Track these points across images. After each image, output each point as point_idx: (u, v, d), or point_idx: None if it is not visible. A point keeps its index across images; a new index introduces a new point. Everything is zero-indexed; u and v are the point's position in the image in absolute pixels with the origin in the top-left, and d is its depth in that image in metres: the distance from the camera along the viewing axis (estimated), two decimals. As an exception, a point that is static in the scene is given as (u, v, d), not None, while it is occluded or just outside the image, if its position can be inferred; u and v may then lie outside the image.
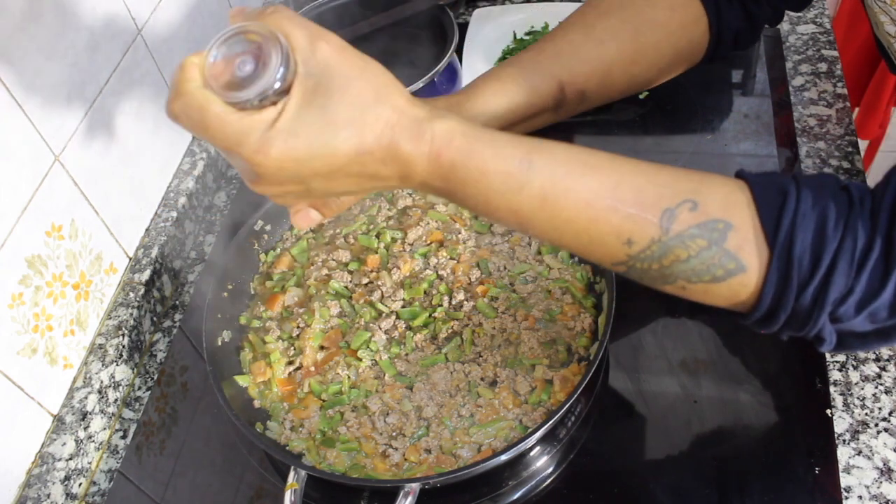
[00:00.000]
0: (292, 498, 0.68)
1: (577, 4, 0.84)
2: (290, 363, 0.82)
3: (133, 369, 0.89)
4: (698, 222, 0.50)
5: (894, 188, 0.49)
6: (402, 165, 0.50)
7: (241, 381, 0.81)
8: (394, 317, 0.83)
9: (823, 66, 1.05)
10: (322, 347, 0.83)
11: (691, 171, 0.53)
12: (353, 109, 0.48)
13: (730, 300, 0.53)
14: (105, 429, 0.85)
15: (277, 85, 0.47)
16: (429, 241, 0.89)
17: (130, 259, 0.95)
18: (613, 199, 0.51)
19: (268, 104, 0.48)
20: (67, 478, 0.79)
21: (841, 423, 0.72)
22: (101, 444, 0.84)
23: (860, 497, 0.68)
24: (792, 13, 1.14)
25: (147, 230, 0.98)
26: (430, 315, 0.83)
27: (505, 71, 0.71)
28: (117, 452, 0.83)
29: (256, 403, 0.80)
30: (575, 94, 0.70)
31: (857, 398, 0.74)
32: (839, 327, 0.52)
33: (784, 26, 1.12)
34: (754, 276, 0.51)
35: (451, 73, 1.02)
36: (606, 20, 0.71)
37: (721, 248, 0.50)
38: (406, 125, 0.49)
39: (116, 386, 0.87)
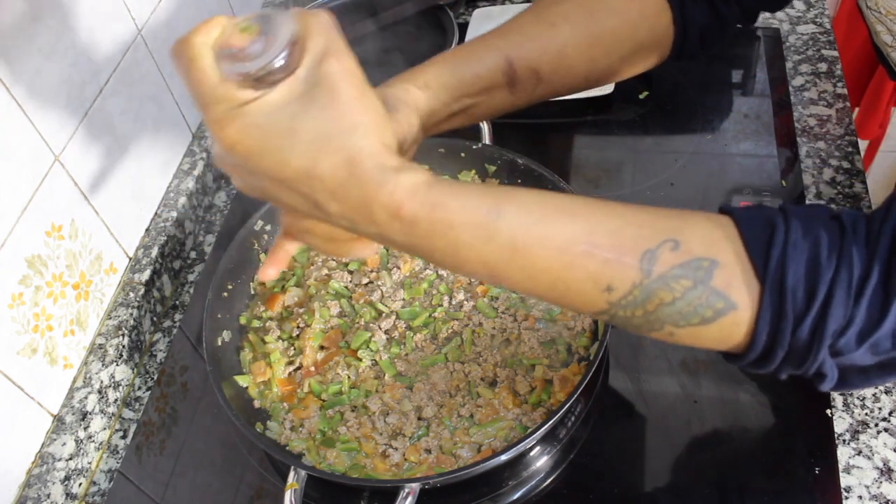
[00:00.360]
0: (292, 498, 0.68)
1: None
2: (290, 363, 0.82)
3: (133, 369, 0.89)
4: (681, 262, 0.48)
5: (895, 216, 0.47)
6: (352, 208, 0.48)
7: (241, 381, 0.81)
8: (394, 317, 0.83)
9: (823, 66, 1.05)
10: (322, 347, 0.83)
11: (671, 210, 0.51)
12: (323, 129, 0.46)
13: (722, 342, 0.50)
14: (105, 429, 0.85)
15: (262, 72, 0.46)
16: (429, 241, 0.89)
17: (130, 259, 0.95)
18: (589, 244, 0.48)
19: (251, 86, 0.47)
20: (67, 478, 0.79)
21: (841, 423, 0.72)
22: (101, 444, 0.84)
23: (860, 497, 0.68)
24: (791, 13, 1.14)
25: (147, 230, 0.98)
26: (430, 315, 0.83)
27: (451, 50, 0.70)
28: (117, 452, 0.83)
29: (256, 403, 0.80)
30: (527, 72, 0.69)
31: (857, 398, 0.74)
32: (840, 361, 0.49)
33: (784, 26, 1.12)
34: (746, 314, 0.48)
35: (451, 73, 1.02)
36: (560, 5, 0.70)
37: (707, 286, 0.47)
38: (368, 168, 0.46)
39: (116, 386, 0.87)
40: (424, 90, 0.65)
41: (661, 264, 0.48)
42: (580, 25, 0.70)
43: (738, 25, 0.77)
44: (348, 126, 0.46)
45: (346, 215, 0.48)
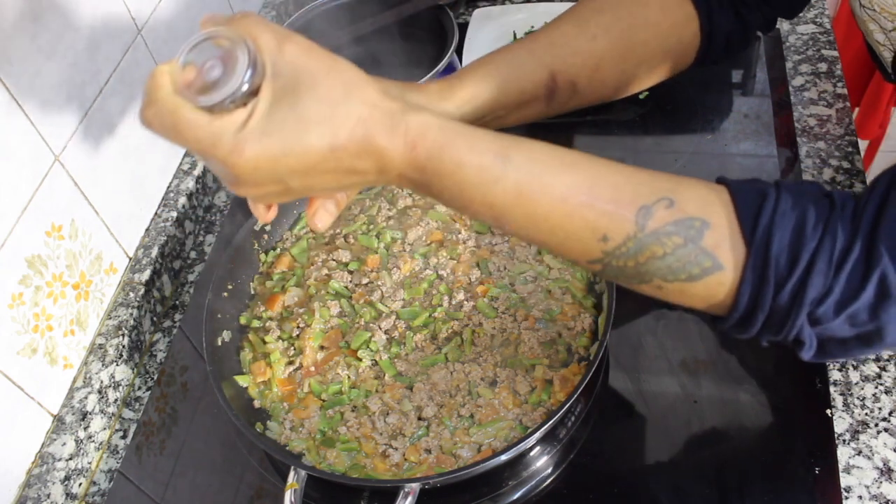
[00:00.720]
0: (292, 498, 0.68)
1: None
2: (290, 363, 0.82)
3: (133, 369, 0.89)
4: (675, 219, 0.50)
5: (879, 193, 0.49)
6: (378, 159, 0.50)
7: (241, 381, 0.81)
8: (394, 317, 0.83)
9: (823, 66, 1.05)
10: (322, 347, 0.83)
11: (669, 174, 0.54)
12: (324, 106, 0.48)
13: (707, 300, 0.53)
14: (105, 429, 0.85)
15: (245, 87, 0.48)
16: (429, 241, 0.89)
17: (130, 259, 0.95)
18: (589, 196, 0.51)
19: (239, 106, 0.49)
20: (67, 478, 0.79)
21: (841, 423, 0.72)
22: (101, 444, 0.84)
23: (860, 497, 0.68)
24: (790, 14, 1.14)
25: (147, 230, 0.98)
26: (430, 315, 0.83)
27: (499, 55, 0.71)
28: (117, 452, 0.83)
29: (256, 403, 0.80)
30: (566, 85, 0.70)
31: (857, 398, 0.74)
32: (819, 331, 0.51)
33: (784, 26, 1.12)
34: (731, 275, 0.51)
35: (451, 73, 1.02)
36: (600, 16, 0.72)
37: (697, 245, 0.50)
38: (379, 118, 0.49)
39: (116, 386, 0.87)
40: (463, 107, 0.67)
41: (656, 220, 0.50)
42: (617, 38, 0.71)
43: (759, 33, 0.78)
44: (341, 90, 0.49)
45: (373, 168, 0.51)
